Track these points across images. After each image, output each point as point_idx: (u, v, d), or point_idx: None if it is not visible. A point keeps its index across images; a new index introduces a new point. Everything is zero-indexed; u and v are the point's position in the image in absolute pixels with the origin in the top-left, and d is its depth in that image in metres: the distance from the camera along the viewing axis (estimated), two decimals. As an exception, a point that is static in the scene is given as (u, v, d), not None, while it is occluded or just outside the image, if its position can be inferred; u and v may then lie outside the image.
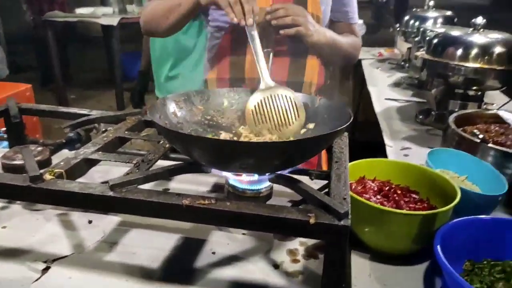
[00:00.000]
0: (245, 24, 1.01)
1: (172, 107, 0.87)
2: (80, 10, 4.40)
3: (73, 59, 5.81)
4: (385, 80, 2.42)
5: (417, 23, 2.54)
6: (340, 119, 0.82)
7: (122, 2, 4.67)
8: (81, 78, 5.55)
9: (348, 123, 0.73)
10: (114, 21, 4.08)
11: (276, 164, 0.70)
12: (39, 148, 0.92)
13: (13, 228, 0.84)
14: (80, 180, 0.75)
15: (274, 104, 0.91)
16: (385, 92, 2.17)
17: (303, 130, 0.90)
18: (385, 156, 1.39)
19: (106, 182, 0.89)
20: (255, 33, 1.00)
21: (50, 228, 0.85)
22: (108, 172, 1.09)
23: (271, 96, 0.92)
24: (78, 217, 0.88)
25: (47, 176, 0.70)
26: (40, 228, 0.84)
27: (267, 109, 0.90)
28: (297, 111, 0.90)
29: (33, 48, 5.19)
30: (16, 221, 0.87)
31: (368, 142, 1.83)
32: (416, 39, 2.25)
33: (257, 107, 0.91)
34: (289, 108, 0.90)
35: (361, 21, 3.49)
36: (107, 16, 4.27)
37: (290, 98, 0.91)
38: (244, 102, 0.95)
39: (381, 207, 0.74)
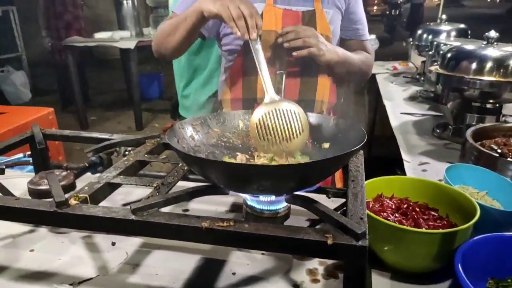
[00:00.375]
0: (249, 38, 1.02)
1: (189, 130, 0.90)
2: (99, 35, 4.54)
3: (92, 81, 5.98)
4: (401, 94, 2.41)
5: (430, 37, 2.54)
6: (355, 138, 0.83)
7: (139, 25, 4.82)
8: (100, 100, 5.70)
9: (363, 143, 0.73)
10: (131, 44, 4.20)
11: (292, 185, 0.71)
12: (64, 173, 0.96)
13: (40, 251, 0.87)
14: (103, 203, 0.78)
15: (278, 118, 0.90)
16: (400, 106, 2.17)
17: (323, 146, 0.91)
18: (403, 170, 1.39)
19: (128, 204, 0.92)
20: (259, 47, 1.00)
21: (75, 250, 0.87)
22: (129, 194, 1.12)
23: (275, 110, 0.91)
24: (101, 239, 0.91)
25: (72, 201, 0.72)
26: (66, 250, 0.87)
27: (271, 123, 0.89)
28: (301, 125, 0.89)
29: (53, 72, 5.36)
30: (42, 244, 0.90)
31: (385, 156, 1.82)
32: (430, 52, 2.26)
33: (261, 120, 0.90)
34: (293, 122, 0.90)
35: (373, 36, 3.51)
36: (125, 39, 4.41)
37: (294, 112, 0.91)
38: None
39: (400, 226, 0.74)
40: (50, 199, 0.75)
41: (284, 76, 1.12)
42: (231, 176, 0.70)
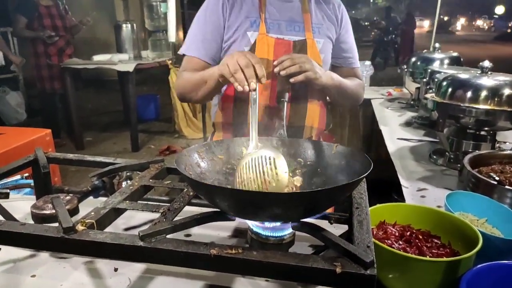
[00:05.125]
0: (249, 89, 1.01)
1: (195, 157, 0.91)
2: (97, 57, 4.59)
3: (88, 102, 6.00)
4: (396, 120, 2.45)
5: (424, 64, 2.61)
6: (358, 165, 0.85)
7: (138, 48, 4.89)
8: (96, 121, 5.70)
9: (369, 170, 0.75)
10: (130, 67, 4.25)
11: (301, 212, 0.72)
12: (68, 197, 0.95)
13: (42, 277, 0.86)
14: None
15: (253, 166, 0.86)
16: (397, 131, 2.20)
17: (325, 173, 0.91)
18: (400, 195, 1.40)
19: (130, 229, 0.92)
20: (256, 98, 1.00)
21: (78, 276, 0.86)
22: (131, 218, 1.11)
23: (251, 160, 0.87)
24: (104, 264, 0.90)
25: (79, 227, 0.73)
26: (68, 276, 0.86)
27: (247, 173, 0.86)
28: (276, 173, 0.84)
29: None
30: (44, 269, 0.89)
31: (381, 180, 1.84)
32: (424, 80, 2.32)
33: (241, 170, 0.88)
34: (268, 170, 0.85)
35: (368, 63, 3.60)
36: (124, 62, 4.45)
37: (269, 158, 0.86)
38: (262, 149, 0.96)
39: (405, 254, 0.75)
40: (55, 224, 0.75)
41: (285, 104, 1.15)
42: (240, 203, 0.71)
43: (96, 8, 7.23)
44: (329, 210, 1.42)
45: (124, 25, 4.86)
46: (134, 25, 4.94)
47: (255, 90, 1.00)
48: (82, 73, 5.25)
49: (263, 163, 0.86)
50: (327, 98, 1.48)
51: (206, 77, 1.22)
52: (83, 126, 4.83)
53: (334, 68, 1.46)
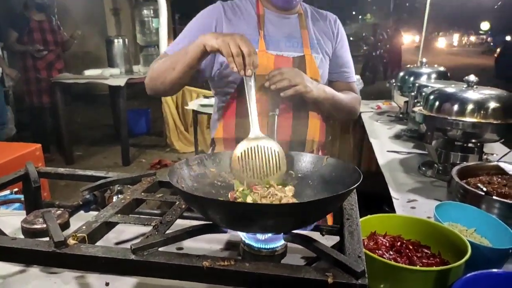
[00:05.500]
0: (245, 74, 1.06)
1: (187, 171, 0.92)
2: (88, 72, 4.59)
3: (78, 116, 5.97)
4: (386, 132, 2.49)
5: (412, 79, 2.67)
6: (348, 177, 0.86)
7: (129, 63, 4.90)
8: (86, 135, 5.67)
9: (359, 182, 0.76)
10: (122, 81, 4.26)
11: (292, 224, 0.73)
12: (58, 212, 0.95)
13: (31, 293, 0.85)
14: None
15: (259, 154, 0.97)
16: (386, 144, 2.23)
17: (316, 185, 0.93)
18: (390, 207, 1.42)
19: (121, 243, 0.91)
20: (253, 84, 1.05)
21: (68, 291, 0.85)
22: (122, 232, 1.11)
23: (257, 146, 0.98)
24: (95, 279, 0.89)
25: (71, 241, 0.72)
26: (58, 292, 0.85)
27: (251, 158, 0.96)
28: (279, 163, 0.96)
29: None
30: (34, 285, 0.87)
31: (371, 193, 1.86)
32: (412, 93, 2.36)
33: (243, 154, 0.97)
34: (271, 160, 0.96)
35: (358, 76, 3.65)
36: (115, 77, 4.46)
37: (274, 150, 0.97)
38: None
39: (395, 263, 0.76)
40: (46, 239, 0.75)
41: (276, 117, 1.16)
42: (232, 216, 0.71)
43: (87, 23, 7.27)
44: (330, 221, 1.44)
45: (115, 40, 4.87)
46: (126, 40, 4.96)
47: (251, 76, 1.05)
48: (72, 88, 5.24)
49: (269, 152, 0.97)
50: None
51: (188, 49, 1.18)
52: (73, 140, 4.79)
53: (330, 82, 1.48)
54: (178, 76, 1.24)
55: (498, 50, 12.40)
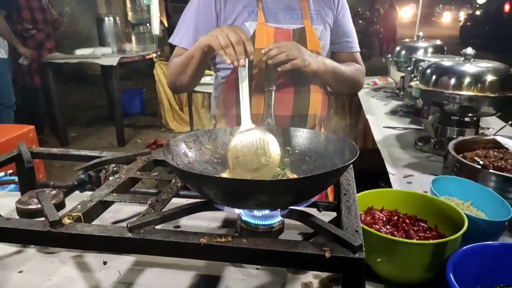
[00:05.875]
0: (237, 65, 1.03)
1: (182, 147, 0.91)
2: (80, 51, 4.50)
3: (71, 98, 5.91)
4: (382, 108, 2.48)
5: (408, 53, 2.63)
6: (345, 152, 0.85)
7: (121, 42, 4.81)
8: (80, 116, 5.61)
9: (356, 157, 0.75)
10: (114, 61, 4.19)
11: (289, 200, 0.72)
12: (53, 192, 0.94)
13: (29, 272, 0.85)
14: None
15: (248, 147, 0.90)
16: (382, 120, 2.22)
17: (313, 160, 0.92)
18: (387, 183, 1.42)
19: (118, 222, 0.90)
20: (246, 74, 1.02)
21: (66, 271, 0.85)
22: (118, 212, 1.10)
23: (245, 140, 0.92)
24: (93, 258, 0.89)
25: (66, 220, 0.71)
26: (56, 271, 0.85)
27: (242, 152, 0.90)
28: (268, 154, 0.89)
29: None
30: (31, 265, 0.87)
31: (368, 169, 1.86)
32: (409, 68, 2.34)
33: (233, 149, 0.91)
34: (261, 151, 0.89)
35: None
36: (107, 56, 4.38)
37: (262, 141, 0.91)
38: (254, 130, 0.97)
39: (392, 237, 0.76)
40: (41, 219, 0.74)
41: (273, 93, 1.14)
42: (229, 192, 0.70)
43: (77, 1, 7.09)
44: (331, 198, 1.44)
45: (106, 18, 4.78)
46: (117, 18, 4.86)
47: (244, 66, 1.02)
48: (64, 68, 5.15)
49: (257, 144, 0.90)
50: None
51: (192, 52, 1.21)
52: (67, 121, 4.75)
53: (333, 54, 1.44)
54: (192, 78, 1.30)
55: (463, 20, 14.37)
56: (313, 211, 0.91)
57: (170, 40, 1.39)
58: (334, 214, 0.89)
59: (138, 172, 0.97)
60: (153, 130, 5.11)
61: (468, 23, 13.81)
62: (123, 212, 1.11)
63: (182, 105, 5.00)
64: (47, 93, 4.46)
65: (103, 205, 0.83)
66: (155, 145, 4.41)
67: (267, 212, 0.77)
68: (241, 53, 1.03)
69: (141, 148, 4.45)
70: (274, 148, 0.90)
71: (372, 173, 1.76)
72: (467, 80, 1.47)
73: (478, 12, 13.95)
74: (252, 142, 0.91)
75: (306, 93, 1.34)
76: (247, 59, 1.04)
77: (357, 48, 1.48)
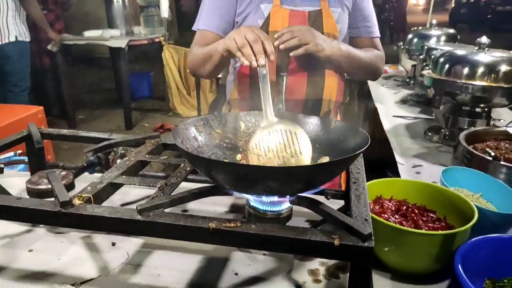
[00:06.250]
0: (256, 64, 0.99)
1: (192, 131, 0.90)
2: (88, 33, 4.48)
3: (79, 80, 5.91)
4: (392, 97, 2.45)
5: (420, 41, 2.58)
6: (356, 140, 0.84)
7: (129, 24, 4.78)
8: (88, 98, 5.62)
9: (367, 145, 0.75)
10: (122, 43, 4.17)
11: (299, 187, 0.72)
12: (63, 173, 0.94)
13: (39, 252, 0.86)
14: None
15: (273, 141, 0.83)
16: (392, 109, 2.20)
17: (324, 148, 0.90)
18: (395, 173, 1.41)
19: (127, 204, 0.91)
20: (266, 73, 0.96)
21: (75, 251, 0.87)
22: (126, 194, 1.11)
23: (269, 133, 0.85)
24: (101, 239, 0.90)
25: (76, 201, 0.72)
26: (65, 251, 0.86)
27: (266, 147, 0.83)
28: (298, 146, 0.82)
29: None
30: (41, 244, 0.89)
31: (376, 159, 1.85)
32: (421, 57, 2.30)
33: (256, 145, 0.85)
34: (290, 143, 0.83)
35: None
36: (115, 38, 4.36)
37: (290, 132, 0.84)
38: (279, 124, 0.91)
39: (401, 227, 0.76)
40: (52, 199, 0.75)
41: (285, 78, 1.13)
42: (239, 177, 0.70)
43: (86, -18, 7.03)
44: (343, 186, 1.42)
45: (115, 0, 4.73)
46: (126, 0, 4.82)
47: (264, 66, 0.97)
48: (73, 50, 5.13)
49: (286, 136, 0.83)
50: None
51: (212, 52, 1.20)
52: (75, 104, 4.76)
53: (351, 39, 1.40)
54: (211, 72, 1.30)
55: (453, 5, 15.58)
56: (320, 198, 0.91)
57: (193, 27, 1.38)
58: (341, 202, 0.89)
59: (147, 156, 0.97)
60: (161, 114, 5.11)
61: (456, 9, 14.91)
62: (131, 194, 1.12)
63: (190, 89, 4.98)
64: (56, 74, 4.46)
65: (113, 187, 0.84)
66: (162, 129, 4.41)
67: (275, 198, 0.77)
68: (259, 52, 0.98)
69: (148, 131, 4.46)
70: (304, 140, 0.84)
71: (379, 162, 1.75)
72: (480, 70, 1.45)
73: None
74: (281, 133, 0.83)
75: (320, 77, 1.31)
76: (266, 59, 0.99)
77: (377, 33, 1.43)
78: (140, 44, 4.54)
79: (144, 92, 5.79)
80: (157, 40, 4.67)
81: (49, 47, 4.15)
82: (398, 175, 1.37)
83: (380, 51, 1.42)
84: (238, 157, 0.93)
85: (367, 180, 0.93)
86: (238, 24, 1.31)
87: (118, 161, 1.18)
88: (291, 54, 1.18)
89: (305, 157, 0.82)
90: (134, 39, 4.43)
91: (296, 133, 0.84)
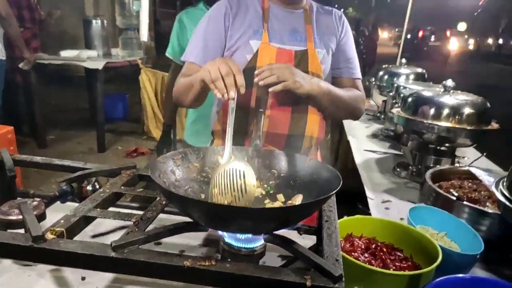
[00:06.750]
0: (227, 98, 1.02)
1: (170, 165, 0.91)
2: (65, 53, 4.44)
3: (52, 98, 5.78)
4: (363, 131, 2.54)
5: (391, 79, 2.72)
6: (329, 180, 0.88)
7: (107, 46, 4.76)
8: (60, 118, 5.50)
9: (339, 186, 0.78)
10: (99, 65, 4.14)
11: (272, 226, 0.74)
12: (35, 203, 0.93)
13: (5, 286, 0.83)
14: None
15: (224, 179, 0.88)
16: (363, 142, 2.28)
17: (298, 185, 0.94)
18: (365, 205, 1.46)
19: (98, 236, 0.90)
20: (234, 107, 1.00)
21: (43, 285, 0.84)
22: (99, 225, 1.09)
23: (223, 172, 0.90)
24: (71, 273, 0.88)
25: (49, 235, 0.71)
26: (33, 285, 0.84)
27: (219, 185, 0.88)
28: (244, 185, 0.87)
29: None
30: (7, 277, 0.86)
31: (348, 189, 1.90)
32: (391, 94, 2.41)
33: (214, 182, 0.90)
34: (237, 182, 0.88)
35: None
36: (92, 59, 4.33)
37: (239, 171, 0.89)
38: (237, 159, 0.98)
39: (370, 267, 0.78)
40: (21, 230, 0.74)
41: (263, 115, 1.16)
42: (213, 216, 0.72)
43: (64, 1, 7.00)
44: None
45: (94, 21, 4.72)
46: (105, 21, 4.82)
47: (233, 99, 1.01)
48: (47, 68, 5.06)
49: (234, 176, 0.87)
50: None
51: (193, 81, 1.23)
52: (46, 123, 4.63)
53: (334, 79, 1.45)
54: (193, 100, 1.31)
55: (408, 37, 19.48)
56: (293, 233, 0.93)
57: (182, 58, 1.41)
58: (313, 237, 0.91)
59: (122, 187, 0.97)
60: (135, 137, 5.04)
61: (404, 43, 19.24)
62: (103, 225, 1.10)
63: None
64: (28, 92, 4.36)
65: (86, 220, 0.83)
66: (135, 152, 4.36)
67: (250, 235, 0.79)
68: (230, 85, 1.02)
69: (121, 155, 4.39)
70: (250, 179, 0.89)
71: (351, 193, 1.80)
72: (445, 111, 1.53)
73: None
74: (229, 174, 0.88)
75: (303, 113, 1.35)
76: (236, 92, 1.03)
77: (358, 74, 1.49)
78: (117, 66, 4.53)
79: (119, 114, 5.72)
80: (134, 62, 4.67)
81: (20, 65, 4.07)
82: (368, 208, 1.42)
83: (361, 92, 1.46)
84: (215, 191, 0.94)
85: (340, 211, 0.96)
86: (227, 57, 1.35)
87: (89, 187, 1.17)
88: (270, 89, 1.22)
89: (247, 198, 0.87)
90: (112, 61, 4.42)
91: (244, 172, 0.89)
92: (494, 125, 1.58)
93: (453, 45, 22.78)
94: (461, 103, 1.56)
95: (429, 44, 18.78)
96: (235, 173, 0.88)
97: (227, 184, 0.87)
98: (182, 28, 2.08)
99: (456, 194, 1.16)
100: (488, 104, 1.60)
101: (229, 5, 1.36)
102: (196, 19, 2.00)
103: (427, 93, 1.67)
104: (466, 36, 27.83)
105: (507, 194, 0.88)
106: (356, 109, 1.44)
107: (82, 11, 7.85)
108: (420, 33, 20.00)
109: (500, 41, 24.89)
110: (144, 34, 4.47)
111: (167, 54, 2.20)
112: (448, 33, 20.85)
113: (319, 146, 1.48)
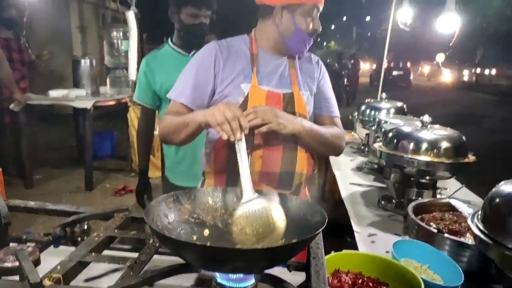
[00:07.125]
0: (234, 139, 1.11)
1: (163, 208, 0.95)
2: (53, 93, 4.48)
3: (39, 137, 5.76)
4: (348, 164, 2.61)
5: (372, 113, 2.83)
6: (315, 217, 0.93)
7: (96, 84, 4.83)
8: (47, 157, 5.46)
9: (325, 225, 0.83)
10: (88, 104, 4.19)
11: (261, 266, 0.78)
12: (30, 249, 0.95)
13: (-1, 334, 0.84)
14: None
15: (252, 217, 0.96)
16: (348, 176, 2.34)
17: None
18: (352, 237, 1.50)
19: (91, 280, 0.92)
20: (243, 146, 1.10)
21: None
22: (91, 268, 1.10)
23: (248, 211, 0.98)
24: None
25: (47, 282, 0.74)
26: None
27: (246, 223, 0.96)
28: (273, 223, 0.95)
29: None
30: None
31: (335, 221, 1.94)
32: (373, 128, 2.51)
33: (237, 220, 0.97)
34: (266, 221, 0.96)
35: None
36: (81, 98, 4.38)
37: (266, 210, 0.97)
38: (227, 201, 1.03)
39: (357, 303, 0.82)
40: (16, 277, 0.75)
41: (249, 156, 1.22)
42: (205, 258, 0.75)
43: (53, 41, 7.12)
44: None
45: (82, 60, 4.81)
46: (93, 60, 4.91)
47: (240, 140, 1.10)
48: (35, 107, 5.08)
49: (262, 214, 0.96)
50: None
51: (188, 121, 1.29)
52: (33, 162, 4.60)
53: (314, 117, 1.56)
54: (185, 139, 1.37)
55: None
56: (283, 270, 0.96)
57: (168, 95, 1.47)
58: (302, 273, 0.95)
59: (116, 231, 1.00)
60: (123, 174, 5.03)
61: (374, 71, 21.87)
62: (96, 268, 1.11)
63: (154, 150, 4.99)
64: (16, 132, 4.36)
65: (82, 265, 0.86)
66: (124, 190, 4.33)
67: (241, 275, 0.82)
68: (236, 128, 1.12)
69: (109, 193, 4.36)
70: (278, 216, 0.96)
71: (339, 225, 1.84)
72: (424, 146, 1.61)
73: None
74: (257, 211, 0.97)
75: (293, 151, 1.43)
76: (243, 133, 1.12)
77: (337, 113, 1.59)
78: (106, 105, 4.58)
79: (107, 151, 5.72)
80: (123, 100, 4.74)
81: (11, 106, 4.10)
82: (355, 240, 1.46)
83: (340, 129, 1.57)
84: (206, 232, 0.98)
85: (328, 244, 1.00)
86: (216, 100, 1.42)
87: (76, 229, 1.18)
88: (256, 131, 1.29)
89: (277, 233, 0.94)
90: (100, 100, 4.47)
91: (272, 210, 0.96)
92: (471, 158, 1.66)
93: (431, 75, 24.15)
94: (439, 138, 1.64)
95: (393, 74, 20.62)
96: (262, 212, 0.96)
97: (255, 225, 0.95)
98: (152, 71, 2.05)
99: (436, 227, 1.22)
100: (464, 138, 1.68)
101: (219, 49, 1.44)
102: (165, 61, 2.06)
103: (406, 128, 1.76)
104: (442, 67, 29.39)
105: (481, 228, 0.94)
106: (338, 145, 1.53)
107: (70, 50, 7.98)
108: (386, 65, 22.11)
109: (478, 70, 26.09)
110: (133, 73, 4.55)
111: (135, 100, 2.16)
112: (408, 64, 22.69)
113: (307, 181, 1.54)
